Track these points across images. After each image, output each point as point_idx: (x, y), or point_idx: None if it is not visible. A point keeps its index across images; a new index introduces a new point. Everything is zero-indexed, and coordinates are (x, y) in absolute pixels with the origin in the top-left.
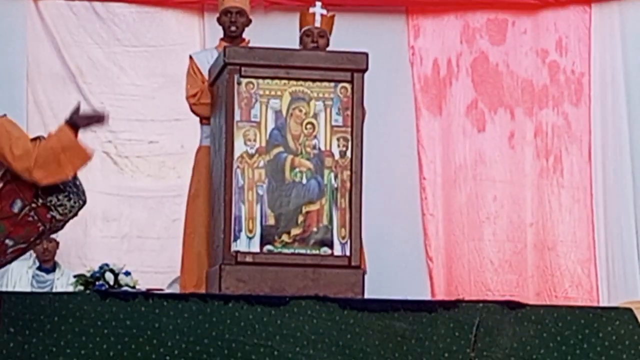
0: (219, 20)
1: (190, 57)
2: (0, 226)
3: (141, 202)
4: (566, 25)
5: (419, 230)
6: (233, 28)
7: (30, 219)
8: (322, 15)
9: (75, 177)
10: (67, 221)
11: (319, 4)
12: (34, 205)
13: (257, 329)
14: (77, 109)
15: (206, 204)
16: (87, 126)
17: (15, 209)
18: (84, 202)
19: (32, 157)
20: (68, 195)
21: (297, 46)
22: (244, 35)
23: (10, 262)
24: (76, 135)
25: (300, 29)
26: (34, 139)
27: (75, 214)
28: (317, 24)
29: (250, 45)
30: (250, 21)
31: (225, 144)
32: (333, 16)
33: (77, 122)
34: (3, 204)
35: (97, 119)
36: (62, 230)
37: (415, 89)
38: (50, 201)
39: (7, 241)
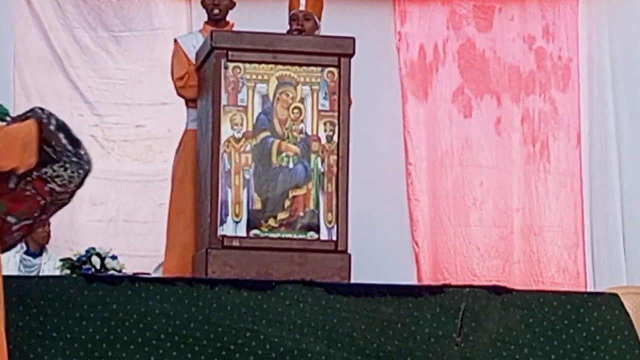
0: (202, 3)
1: (175, 41)
2: None
3: (128, 186)
4: (553, 12)
5: (405, 215)
6: (216, 11)
7: (29, 192)
8: None
9: (77, 145)
10: (72, 193)
11: None
12: (29, 178)
13: (244, 313)
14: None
15: (192, 188)
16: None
17: (11, 184)
18: (87, 171)
19: None
20: (64, 165)
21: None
22: (228, 19)
23: (20, 240)
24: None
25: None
26: None
27: (79, 185)
28: (302, 7)
29: (237, 29)
30: (234, 4)
31: (212, 128)
32: None
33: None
34: None
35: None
36: (69, 203)
37: (402, 75)
38: (45, 173)
39: (9, 218)
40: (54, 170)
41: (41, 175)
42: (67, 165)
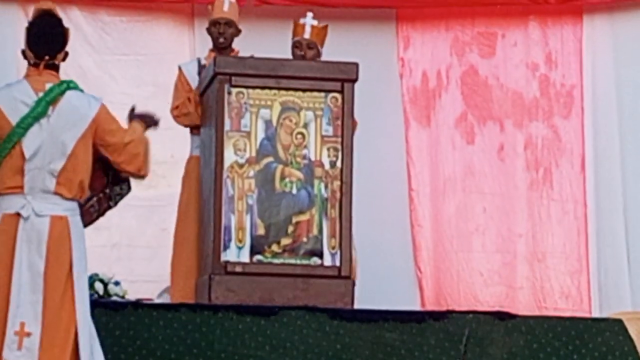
0: (208, 30)
1: (179, 68)
2: None
3: (131, 211)
4: (556, 38)
5: (408, 241)
6: (221, 40)
7: (92, 209)
8: (312, 26)
9: None
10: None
11: (310, 14)
12: (100, 195)
13: (247, 339)
14: (133, 109)
15: (196, 214)
16: (150, 126)
17: (82, 200)
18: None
19: (139, 147)
20: (127, 184)
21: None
22: (234, 45)
23: None
24: None
25: (293, 40)
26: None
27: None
28: (307, 36)
29: (240, 54)
30: (239, 31)
31: (215, 153)
32: (326, 27)
33: (147, 121)
34: None
35: (155, 120)
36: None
37: (404, 101)
38: (114, 190)
39: None
40: (121, 189)
41: (111, 192)
42: (127, 184)
